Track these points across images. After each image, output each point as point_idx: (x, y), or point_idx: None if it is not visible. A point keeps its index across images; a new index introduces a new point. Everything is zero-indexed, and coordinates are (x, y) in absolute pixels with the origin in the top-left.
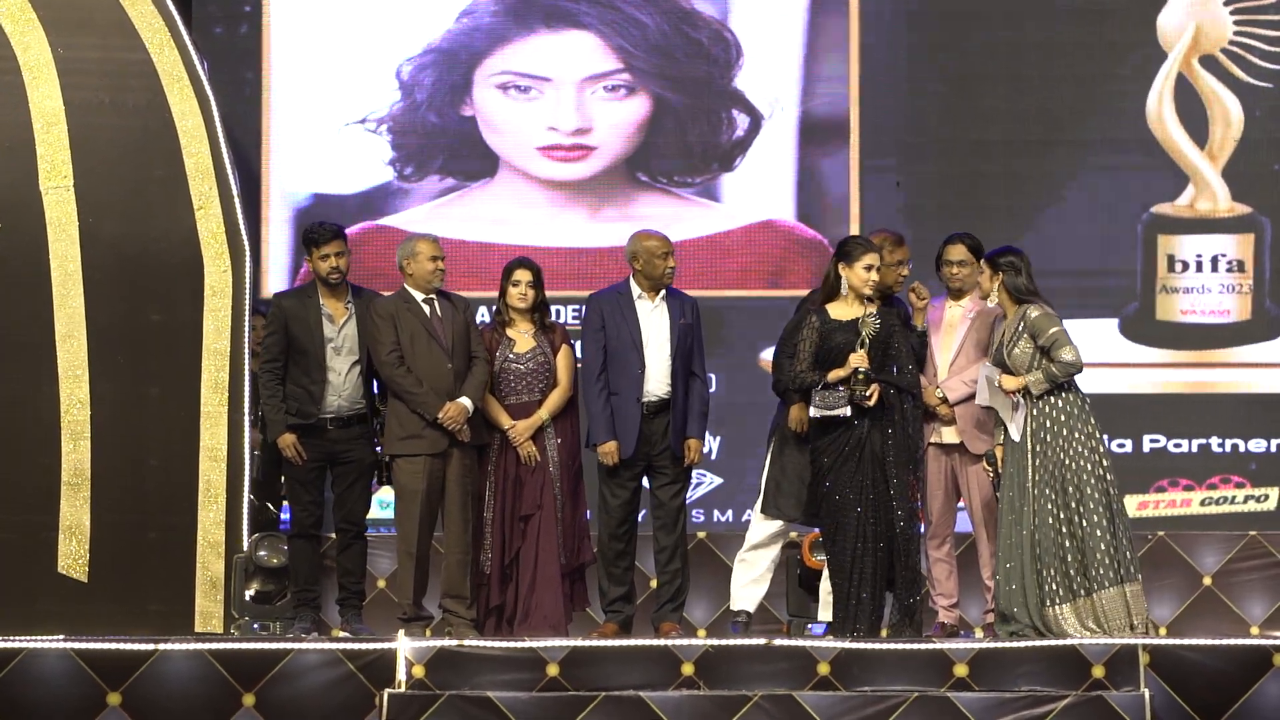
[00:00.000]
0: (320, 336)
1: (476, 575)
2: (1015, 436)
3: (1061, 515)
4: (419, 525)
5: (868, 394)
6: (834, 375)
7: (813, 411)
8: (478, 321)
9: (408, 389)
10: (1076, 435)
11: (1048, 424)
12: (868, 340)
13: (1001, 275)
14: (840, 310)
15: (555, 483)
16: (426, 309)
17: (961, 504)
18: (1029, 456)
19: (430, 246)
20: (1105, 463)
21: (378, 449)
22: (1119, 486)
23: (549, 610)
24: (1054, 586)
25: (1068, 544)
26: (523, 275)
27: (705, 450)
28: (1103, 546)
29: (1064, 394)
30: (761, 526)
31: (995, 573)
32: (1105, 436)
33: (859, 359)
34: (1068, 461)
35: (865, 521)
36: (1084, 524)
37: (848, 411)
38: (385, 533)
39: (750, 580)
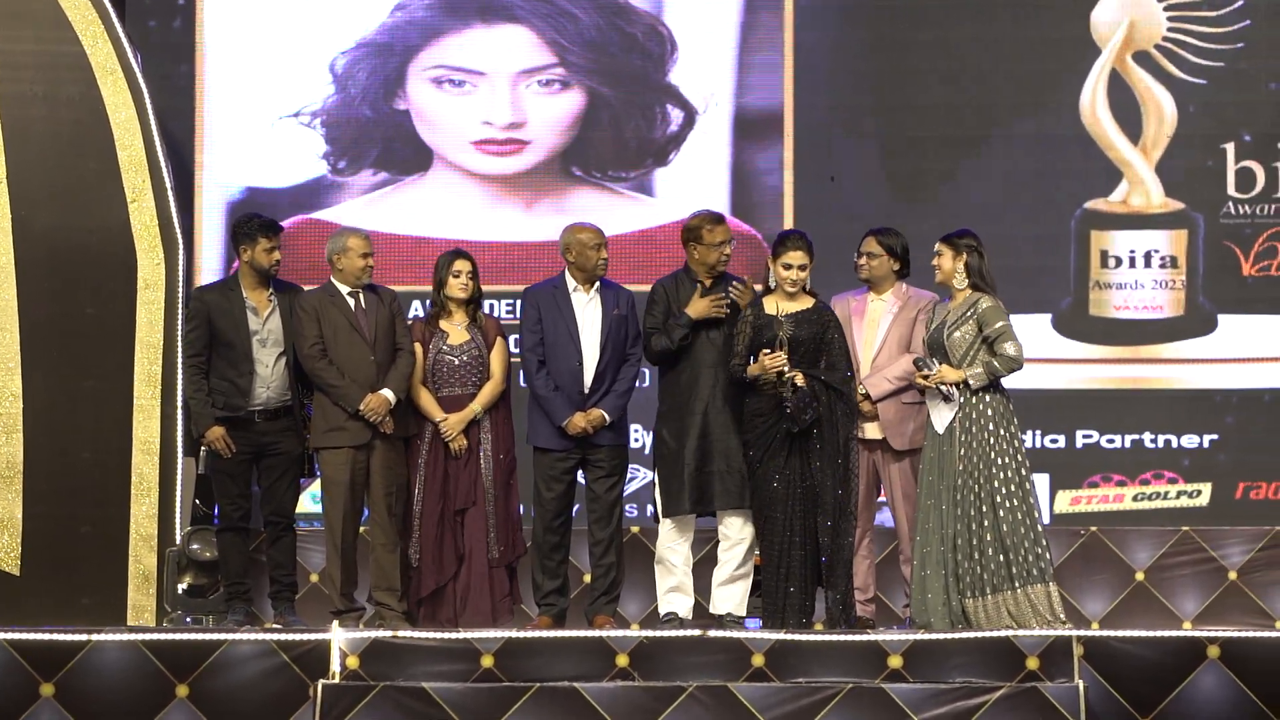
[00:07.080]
0: (245, 329)
1: (405, 567)
2: (939, 429)
3: (984, 509)
4: (343, 517)
5: (789, 394)
6: (753, 370)
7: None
8: (409, 315)
9: (329, 382)
10: (1002, 434)
11: (975, 416)
12: (785, 340)
13: (965, 256)
14: (774, 305)
15: (487, 476)
16: (351, 302)
17: (883, 498)
18: (956, 448)
19: (362, 243)
20: (1028, 464)
21: (305, 441)
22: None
23: (479, 607)
24: (973, 580)
25: (988, 538)
26: (463, 266)
27: (636, 444)
28: (1026, 544)
29: (993, 392)
30: (663, 527)
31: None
32: (1036, 433)
33: (776, 360)
34: (994, 457)
35: (792, 516)
36: (1009, 520)
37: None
38: (318, 527)
39: (671, 589)
